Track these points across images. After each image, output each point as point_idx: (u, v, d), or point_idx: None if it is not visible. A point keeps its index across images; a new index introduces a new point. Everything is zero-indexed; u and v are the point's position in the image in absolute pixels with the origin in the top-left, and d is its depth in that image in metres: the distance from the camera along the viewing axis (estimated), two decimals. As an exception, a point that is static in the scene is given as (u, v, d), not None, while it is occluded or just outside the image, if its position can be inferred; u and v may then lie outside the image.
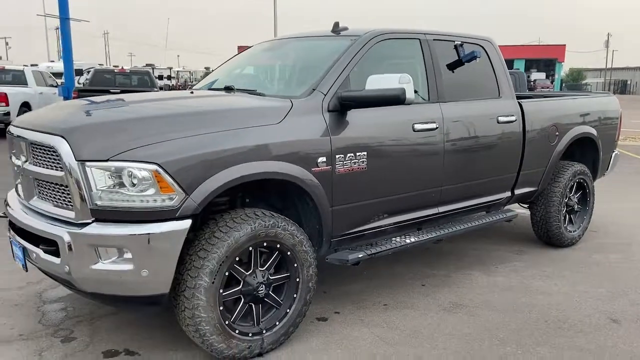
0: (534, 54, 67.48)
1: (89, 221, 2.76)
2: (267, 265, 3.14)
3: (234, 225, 2.93)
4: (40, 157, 3.00)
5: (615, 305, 3.97)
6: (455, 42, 4.27)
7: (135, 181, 2.70)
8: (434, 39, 4.17)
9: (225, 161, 2.90)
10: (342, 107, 3.42)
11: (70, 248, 2.73)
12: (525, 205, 5.46)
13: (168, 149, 2.78)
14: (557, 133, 5.08)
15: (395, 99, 3.28)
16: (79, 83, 18.13)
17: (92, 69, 16.94)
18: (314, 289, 3.34)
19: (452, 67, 4.22)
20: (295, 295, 3.24)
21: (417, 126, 3.81)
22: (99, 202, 2.74)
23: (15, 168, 3.26)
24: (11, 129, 3.33)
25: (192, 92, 3.92)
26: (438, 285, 4.32)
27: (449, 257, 4.99)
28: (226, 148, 2.92)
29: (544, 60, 63.74)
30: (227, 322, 2.98)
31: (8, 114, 14.15)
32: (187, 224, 2.78)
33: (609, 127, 5.80)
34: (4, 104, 14.11)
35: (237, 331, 3.03)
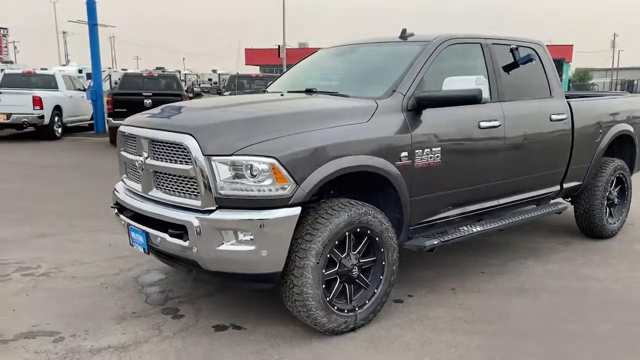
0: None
1: (213, 208, 3.14)
2: (358, 249, 3.50)
3: (333, 213, 3.30)
4: (163, 153, 3.38)
5: (664, 289, 4.32)
6: (511, 46, 4.62)
7: (254, 173, 3.08)
8: (493, 43, 4.52)
9: (328, 155, 3.27)
10: (418, 107, 3.79)
11: (198, 232, 3.11)
12: (568, 200, 5.79)
13: (282, 144, 3.16)
14: (600, 131, 5.42)
15: (473, 99, 3.65)
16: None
17: (107, 73, 17.33)
18: (396, 272, 3.70)
19: (508, 68, 4.57)
20: (381, 277, 3.60)
21: (483, 124, 4.17)
22: (222, 192, 3.12)
23: (135, 163, 3.64)
24: (127, 128, 3.73)
25: (282, 95, 4.28)
26: (497, 273, 4.66)
27: (502, 248, 5.34)
28: (328, 144, 3.30)
29: (553, 61, 63.57)
30: (327, 299, 3.35)
31: (42, 117, 14.62)
32: (298, 210, 3.15)
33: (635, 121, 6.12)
34: (38, 107, 14.57)
35: (335, 307, 3.39)
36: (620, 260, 5.03)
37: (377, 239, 3.53)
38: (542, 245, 5.48)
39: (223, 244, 3.13)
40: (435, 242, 3.95)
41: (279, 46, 46.61)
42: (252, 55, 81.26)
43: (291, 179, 3.12)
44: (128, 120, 3.89)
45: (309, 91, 4.20)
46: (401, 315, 3.79)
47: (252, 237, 3.09)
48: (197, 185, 3.20)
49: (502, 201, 4.56)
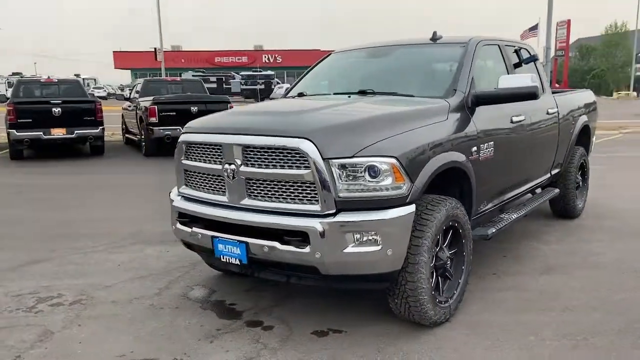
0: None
1: (333, 212, 3.11)
2: (446, 242, 3.65)
3: (434, 208, 3.41)
4: (265, 159, 3.26)
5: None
6: (516, 47, 5.04)
7: (374, 173, 3.10)
8: (505, 45, 4.90)
9: (431, 153, 3.38)
10: (475, 104, 4.02)
11: (323, 237, 3.06)
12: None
13: (396, 144, 3.21)
14: (573, 122, 6.08)
15: (532, 95, 3.96)
16: None
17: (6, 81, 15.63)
18: (471, 261, 3.90)
19: (516, 67, 4.98)
20: (463, 267, 3.78)
21: (514, 118, 4.51)
22: (341, 194, 3.10)
23: (219, 172, 3.45)
24: (204, 136, 3.53)
25: (349, 97, 4.24)
26: (516, 256, 5.04)
27: (507, 234, 5.74)
28: (429, 142, 3.41)
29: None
30: (432, 292, 3.45)
31: None
32: (414, 208, 3.23)
33: (594, 115, 6.95)
34: None
35: (437, 300, 3.51)
36: (604, 235, 5.69)
37: (460, 230, 3.69)
38: (530, 228, 5.99)
39: (348, 246, 3.11)
40: (494, 230, 4.21)
41: (155, 49, 44.88)
42: (122, 58, 77.23)
43: (407, 178, 3.18)
44: (199, 127, 3.69)
45: (362, 92, 4.25)
46: (475, 300, 3.98)
47: (378, 237, 3.11)
48: (312, 190, 3.14)
49: (519, 190, 4.95)
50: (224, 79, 49.50)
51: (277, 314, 3.81)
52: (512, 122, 4.49)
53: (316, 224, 3.09)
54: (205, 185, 3.64)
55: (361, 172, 3.09)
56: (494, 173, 4.25)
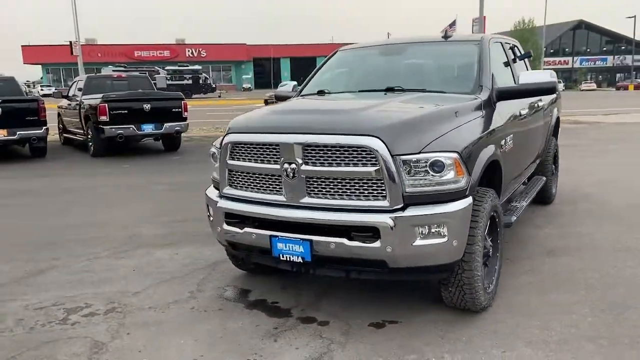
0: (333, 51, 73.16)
1: (401, 206, 3.21)
2: (486, 231, 3.85)
3: (483, 200, 3.59)
4: (328, 158, 3.30)
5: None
6: (510, 44, 5.35)
7: (437, 168, 3.23)
8: (504, 42, 5.19)
9: (480, 147, 3.57)
10: (498, 99, 4.25)
11: (394, 231, 3.16)
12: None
13: (454, 139, 3.36)
14: (550, 114, 6.51)
15: (552, 90, 4.23)
16: None
17: None
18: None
19: (512, 63, 5.28)
20: (498, 255, 4.00)
21: (522, 112, 4.80)
22: (408, 190, 3.21)
23: (276, 172, 3.46)
24: (258, 136, 3.52)
25: (385, 94, 4.34)
26: (518, 241, 5.34)
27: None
28: (477, 136, 3.59)
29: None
30: (484, 280, 3.64)
31: None
32: (471, 200, 3.39)
33: (560, 106, 7.46)
34: None
35: (484, 287, 3.70)
36: (585, 218, 6.15)
37: (497, 220, 3.91)
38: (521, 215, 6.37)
39: (417, 239, 3.22)
40: (515, 218, 4.48)
41: (71, 42, 42.79)
42: (32, 53, 72.70)
43: (466, 171, 3.34)
44: (249, 127, 3.67)
45: (390, 89, 4.36)
46: (503, 285, 4.18)
47: (444, 229, 3.24)
48: (379, 186, 3.22)
49: (523, 179, 5.28)
50: (147, 74, 47.95)
51: (325, 310, 3.86)
52: (520, 115, 4.77)
53: (387, 219, 3.18)
54: (257, 185, 3.63)
55: (426, 167, 3.21)
56: (512, 164, 4.51)
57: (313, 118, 3.56)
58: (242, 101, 39.49)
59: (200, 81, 49.10)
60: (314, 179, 3.38)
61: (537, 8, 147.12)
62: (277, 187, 3.52)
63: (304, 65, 71.85)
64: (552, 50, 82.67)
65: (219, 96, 46.89)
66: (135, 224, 6.34)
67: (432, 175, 3.23)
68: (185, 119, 12.89)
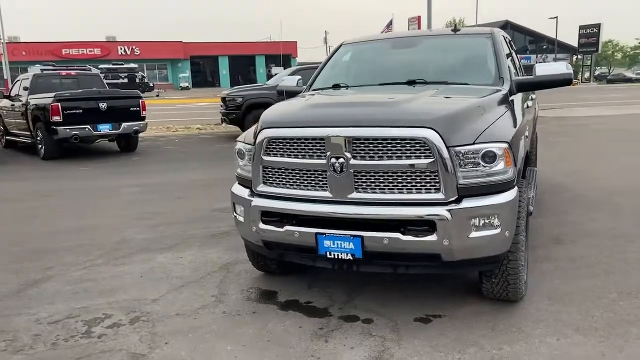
0: (271, 50, 72.95)
1: (455, 198, 3.18)
2: (517, 221, 3.88)
3: (522, 190, 3.62)
4: (378, 151, 3.22)
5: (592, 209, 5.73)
6: (507, 38, 5.47)
7: (489, 159, 3.21)
8: (505, 36, 5.28)
9: (519, 137, 3.59)
10: (516, 90, 4.31)
11: (450, 224, 3.12)
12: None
13: (500, 130, 3.36)
14: (535, 106, 6.71)
15: (568, 82, 4.32)
16: None
17: None
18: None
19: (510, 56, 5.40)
20: (527, 244, 4.05)
21: (529, 103, 4.90)
22: (462, 181, 3.18)
23: (322, 167, 3.34)
24: (302, 130, 3.38)
25: (413, 87, 4.29)
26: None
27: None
28: (516, 127, 3.60)
29: (283, 56, 69.28)
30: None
31: None
32: (517, 190, 3.40)
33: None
34: None
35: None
36: (570, 206, 6.38)
37: (527, 210, 3.96)
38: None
39: (472, 231, 3.20)
40: (532, 208, 4.54)
41: (-6, 40, 40.55)
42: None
43: (513, 162, 3.34)
44: (289, 121, 3.52)
45: (412, 82, 4.32)
46: (530, 273, 4.18)
47: (497, 220, 3.23)
48: (433, 179, 3.17)
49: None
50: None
51: (362, 307, 3.77)
52: (528, 107, 4.86)
53: (444, 212, 3.13)
54: (297, 182, 3.49)
55: (478, 158, 3.19)
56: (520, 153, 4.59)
57: (361, 111, 3.46)
58: (184, 100, 38.46)
59: (137, 80, 47.39)
60: (363, 173, 3.28)
61: (468, 9, 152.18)
62: (321, 182, 3.39)
63: (243, 63, 71.08)
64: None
65: (157, 95, 45.43)
66: (119, 229, 6.00)
67: (483, 166, 3.21)
68: (143, 118, 12.38)
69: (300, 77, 5.06)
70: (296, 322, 3.57)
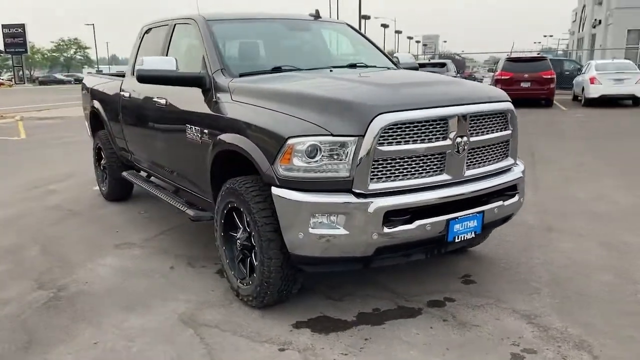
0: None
1: (514, 161, 3.69)
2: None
3: None
4: (485, 126, 3.34)
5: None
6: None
7: None
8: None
9: None
10: None
11: (523, 182, 3.66)
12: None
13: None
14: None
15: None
16: None
17: None
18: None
19: None
20: None
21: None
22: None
23: (444, 149, 3.13)
24: (430, 111, 3.06)
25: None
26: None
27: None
28: None
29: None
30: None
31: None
32: None
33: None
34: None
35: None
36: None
37: None
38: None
39: None
40: None
41: None
42: None
43: None
44: (409, 103, 3.04)
45: (352, 65, 4.30)
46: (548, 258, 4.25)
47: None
48: (506, 146, 3.57)
49: None
50: None
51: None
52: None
53: (520, 174, 3.61)
54: (412, 170, 3.06)
55: None
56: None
57: (455, 89, 3.41)
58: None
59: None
60: (475, 150, 3.32)
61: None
62: (439, 166, 3.15)
63: None
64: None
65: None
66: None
67: None
68: None
69: (174, 58, 3.86)
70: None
